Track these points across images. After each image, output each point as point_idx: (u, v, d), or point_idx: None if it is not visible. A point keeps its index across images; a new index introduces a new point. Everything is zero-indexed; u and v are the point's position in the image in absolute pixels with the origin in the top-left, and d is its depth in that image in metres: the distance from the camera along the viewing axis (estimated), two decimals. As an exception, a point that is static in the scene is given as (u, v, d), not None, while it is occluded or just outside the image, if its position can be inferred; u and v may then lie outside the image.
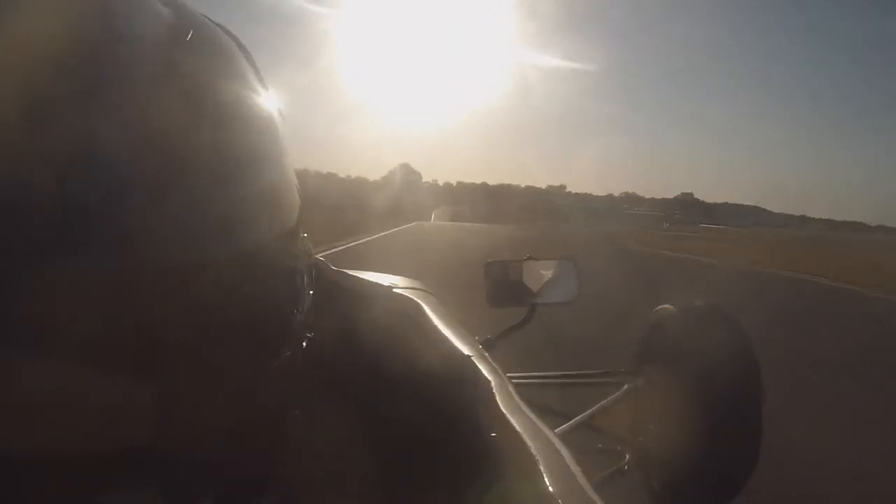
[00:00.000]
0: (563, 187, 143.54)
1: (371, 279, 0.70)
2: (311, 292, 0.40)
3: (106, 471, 0.26)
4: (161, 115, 0.27)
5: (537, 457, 0.37)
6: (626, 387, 1.24)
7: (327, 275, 0.69)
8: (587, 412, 1.16)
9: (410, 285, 0.73)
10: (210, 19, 0.36)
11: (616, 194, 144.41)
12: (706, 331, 1.19)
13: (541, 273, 1.16)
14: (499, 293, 1.13)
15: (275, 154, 0.35)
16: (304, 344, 0.40)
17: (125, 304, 0.25)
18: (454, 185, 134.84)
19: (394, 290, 0.67)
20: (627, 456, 1.18)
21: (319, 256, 0.73)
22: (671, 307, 1.25)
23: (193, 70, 0.31)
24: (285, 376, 0.36)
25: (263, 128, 0.35)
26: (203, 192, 0.28)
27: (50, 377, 0.24)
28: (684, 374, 1.14)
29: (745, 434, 1.14)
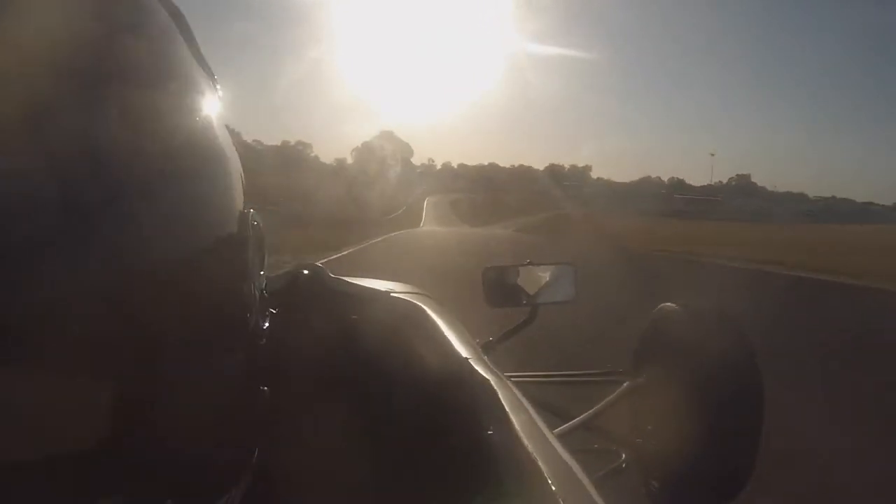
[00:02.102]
0: (588, 168, 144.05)
1: (370, 285, 0.93)
2: (264, 286, 0.45)
3: (73, 472, 0.29)
4: (104, 114, 0.31)
5: (536, 456, 0.43)
6: (625, 385, 1.51)
7: (326, 281, 0.92)
8: (587, 413, 1.43)
9: (411, 290, 0.96)
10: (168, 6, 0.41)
11: (653, 177, 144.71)
12: (707, 330, 1.46)
13: (538, 276, 1.44)
14: (496, 297, 1.41)
15: (218, 149, 0.40)
16: (266, 325, 0.45)
17: (87, 302, 0.28)
18: (455, 167, 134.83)
19: (393, 294, 0.85)
20: (624, 455, 1.44)
21: (318, 263, 0.96)
22: (672, 305, 1.52)
23: (138, 71, 0.35)
24: (252, 359, 0.41)
25: (209, 115, 0.40)
26: (150, 189, 0.31)
27: (22, 379, 0.26)
28: (684, 373, 1.40)
29: (746, 434, 1.40)
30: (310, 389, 0.55)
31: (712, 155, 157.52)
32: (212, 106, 0.42)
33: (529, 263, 1.43)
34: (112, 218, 0.29)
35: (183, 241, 0.33)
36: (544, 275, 1.44)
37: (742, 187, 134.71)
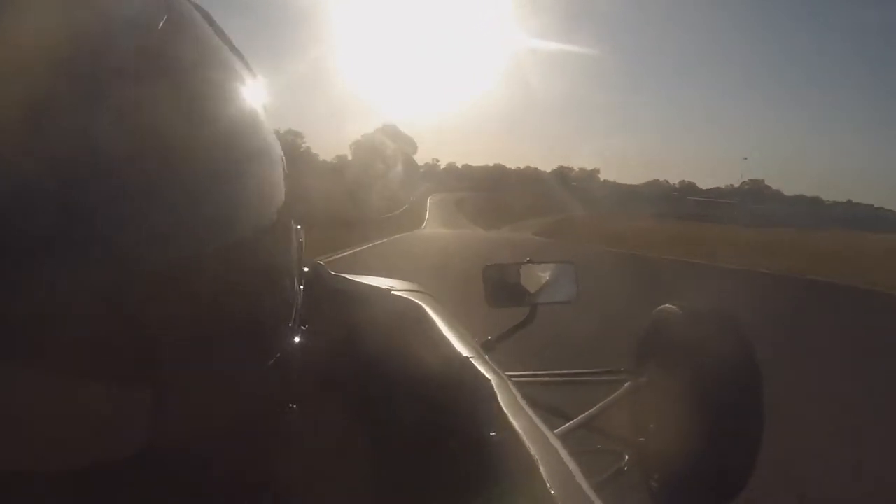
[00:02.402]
0: (596, 171, 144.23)
1: (370, 283, 0.96)
2: (301, 286, 0.46)
3: (97, 476, 0.29)
4: (147, 111, 0.31)
5: (536, 458, 0.43)
6: (626, 384, 1.55)
7: (326, 279, 0.95)
8: (587, 413, 1.47)
9: (410, 288, 0.99)
10: (193, 3, 0.41)
11: (661, 180, 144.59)
12: (707, 330, 1.50)
13: (539, 276, 1.48)
14: (497, 296, 1.45)
15: (263, 146, 0.41)
16: (298, 339, 0.46)
17: (118, 305, 0.28)
18: (460, 167, 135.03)
19: (393, 292, 0.87)
20: (627, 457, 1.49)
21: (319, 261, 1.00)
22: (673, 306, 1.56)
23: (179, 64, 0.35)
24: (283, 371, 0.42)
25: (250, 120, 0.40)
26: (193, 189, 0.32)
27: (39, 382, 0.27)
28: (685, 373, 1.44)
29: (747, 434, 1.45)
30: (310, 388, 0.55)
31: (745, 159, 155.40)
32: (241, 104, 0.41)
33: (530, 262, 1.47)
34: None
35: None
36: (545, 273, 1.48)
37: (755, 191, 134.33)
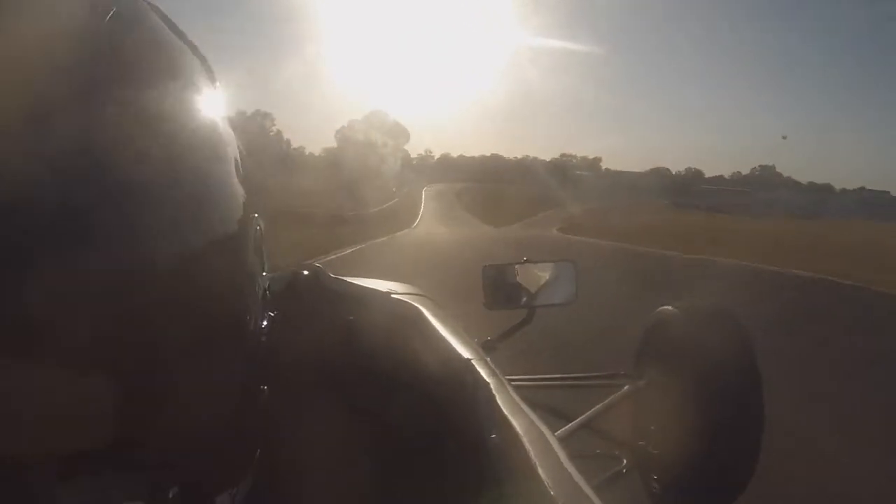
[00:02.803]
0: (598, 159, 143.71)
1: (370, 286, 0.99)
2: (265, 272, 0.48)
3: (75, 468, 0.30)
4: (110, 116, 0.32)
5: (536, 460, 0.45)
6: (625, 388, 1.59)
7: (325, 282, 0.97)
8: (586, 415, 1.50)
9: (410, 291, 1.02)
10: (158, 13, 0.43)
11: (664, 168, 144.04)
12: (708, 331, 1.53)
13: (538, 275, 1.50)
14: (496, 296, 1.48)
15: (216, 142, 0.42)
16: (265, 322, 0.48)
17: (85, 302, 0.29)
18: (455, 157, 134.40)
19: (393, 295, 0.90)
20: (625, 460, 1.52)
21: (317, 263, 1.02)
22: (672, 307, 1.59)
23: (139, 72, 0.37)
24: (253, 359, 0.44)
25: (203, 117, 0.42)
26: (151, 193, 0.33)
27: (18, 375, 0.28)
28: (686, 376, 1.47)
29: (747, 437, 1.48)
30: (311, 390, 0.58)
31: (784, 138, 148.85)
32: (214, 107, 0.44)
33: (527, 261, 1.50)
34: (111, 218, 0.30)
35: (183, 241, 0.34)
36: (544, 273, 1.50)
37: (766, 178, 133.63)
